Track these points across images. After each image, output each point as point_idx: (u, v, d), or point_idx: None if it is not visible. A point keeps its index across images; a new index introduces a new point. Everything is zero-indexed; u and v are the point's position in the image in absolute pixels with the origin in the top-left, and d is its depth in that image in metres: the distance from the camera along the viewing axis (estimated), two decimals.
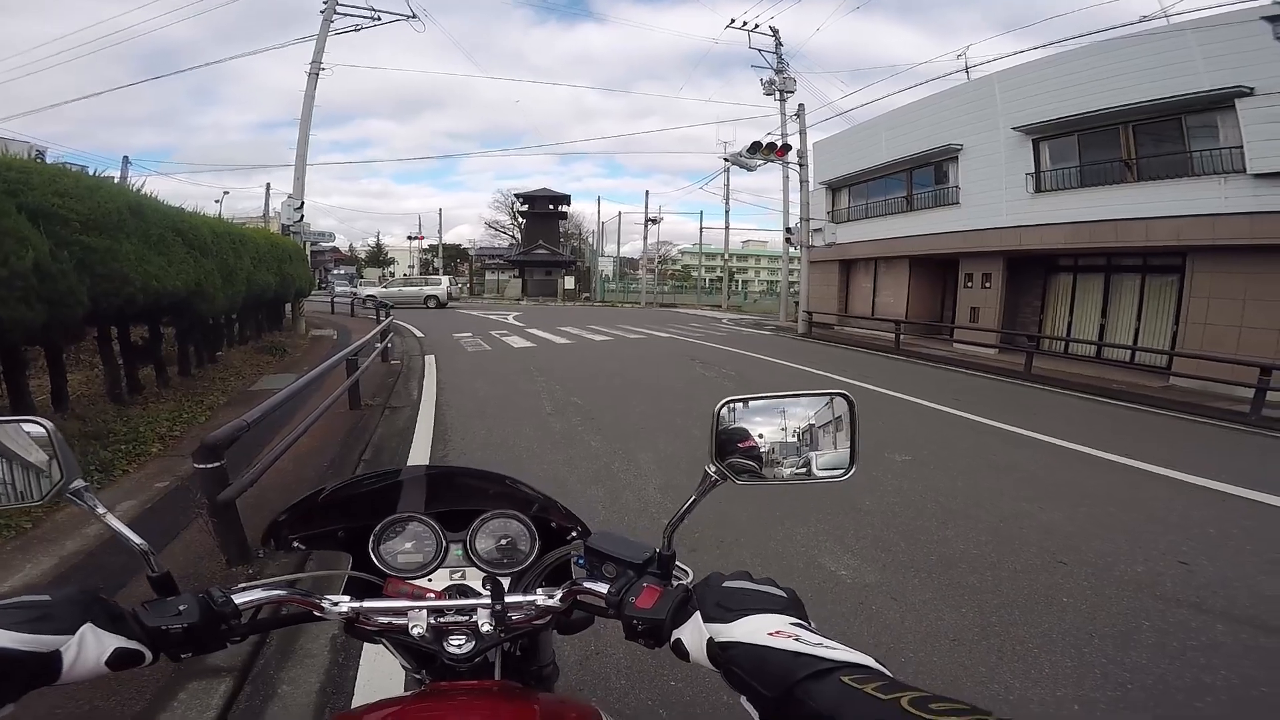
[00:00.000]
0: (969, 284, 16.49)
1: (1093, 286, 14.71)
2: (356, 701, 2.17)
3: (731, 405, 0.78)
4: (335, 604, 0.77)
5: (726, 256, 39.55)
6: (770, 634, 0.54)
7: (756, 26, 22.89)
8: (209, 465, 2.85)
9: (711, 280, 49.46)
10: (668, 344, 14.62)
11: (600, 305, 37.07)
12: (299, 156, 15.48)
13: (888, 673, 0.49)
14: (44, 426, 0.70)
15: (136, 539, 0.70)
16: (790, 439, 0.78)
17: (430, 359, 10.83)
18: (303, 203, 14.70)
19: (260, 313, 12.49)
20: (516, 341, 14.11)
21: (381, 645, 0.86)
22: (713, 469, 0.75)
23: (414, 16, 16.81)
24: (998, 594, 3.08)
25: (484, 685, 0.78)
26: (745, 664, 0.54)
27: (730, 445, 0.77)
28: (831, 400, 0.79)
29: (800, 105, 19.51)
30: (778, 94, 23.30)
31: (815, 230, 19.23)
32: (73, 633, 0.56)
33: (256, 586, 0.73)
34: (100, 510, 0.70)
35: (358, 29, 16.23)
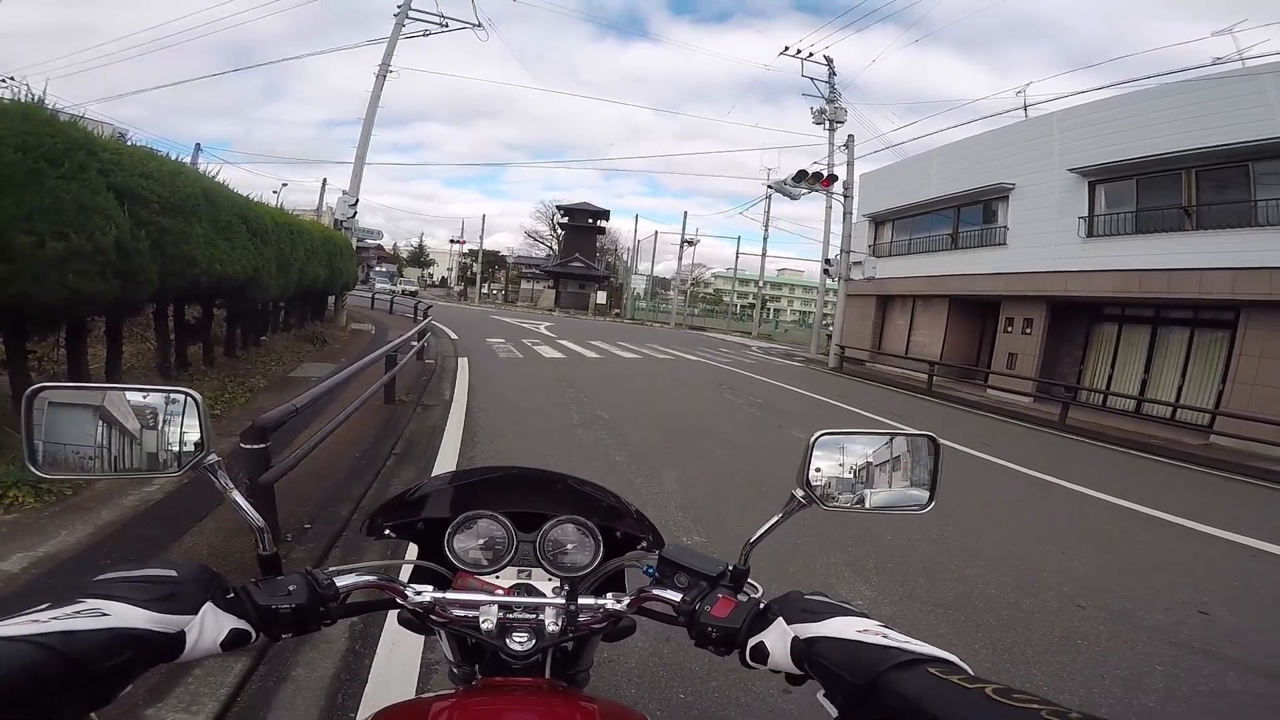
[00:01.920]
0: (1009, 328, 16.17)
1: (1138, 338, 14.29)
2: (370, 690, 2.19)
3: (823, 436, 0.82)
4: (418, 593, 0.79)
5: (761, 284, 39.34)
6: (859, 630, 0.57)
7: (810, 55, 23.04)
8: (256, 446, 2.97)
9: (743, 306, 49.29)
10: (696, 367, 14.64)
11: (630, 323, 37.28)
12: (358, 155, 16.09)
13: (969, 669, 0.51)
14: (194, 399, 0.72)
15: (256, 517, 0.72)
16: (875, 470, 0.84)
17: (463, 361, 11.04)
18: (358, 200, 15.23)
19: (306, 302, 12.92)
20: (547, 351, 14.31)
21: (416, 636, 0.92)
22: (800, 493, 0.80)
23: (479, 25, 17.45)
24: (1013, 632, 3.04)
25: (536, 683, 0.80)
26: (834, 655, 0.56)
27: (819, 472, 0.82)
28: (914, 440, 0.85)
29: (850, 136, 19.56)
30: (827, 123, 23.31)
31: (855, 263, 19.12)
32: (195, 612, 0.57)
33: (351, 571, 0.75)
34: (229, 486, 0.72)
35: (426, 34, 16.88)
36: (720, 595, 0.73)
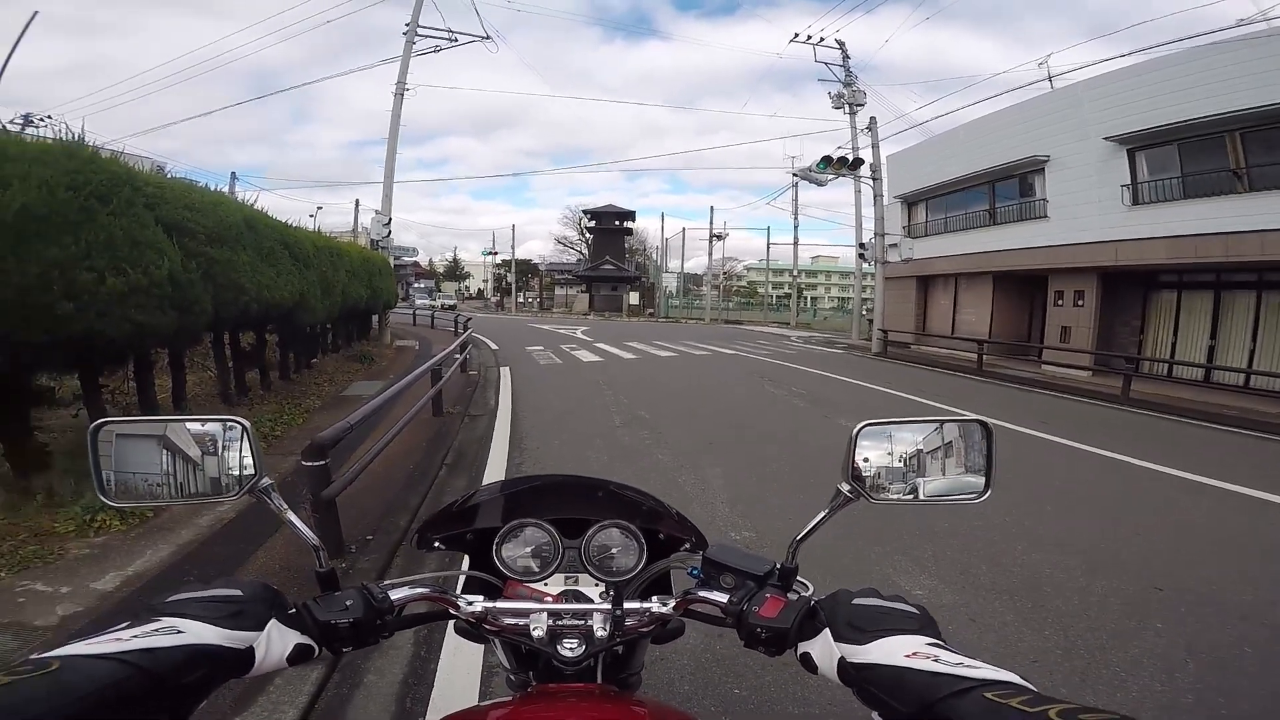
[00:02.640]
0: (1059, 302, 15.56)
1: (1200, 305, 13.58)
2: (436, 694, 2.26)
3: (867, 427, 0.81)
4: (470, 604, 0.80)
5: (795, 273, 38.83)
6: (907, 655, 0.54)
7: (822, 40, 22.54)
8: (316, 463, 3.09)
9: (779, 297, 48.69)
10: (734, 361, 14.54)
11: (664, 322, 37.26)
12: (386, 174, 16.51)
13: (1032, 688, 0.48)
14: (242, 425, 0.76)
15: (311, 536, 0.75)
16: (918, 462, 0.82)
17: (505, 371, 11.24)
18: (390, 219, 15.64)
19: (351, 323, 13.35)
20: (585, 355, 14.44)
21: (480, 643, 0.92)
22: (846, 487, 0.79)
23: (488, 38, 17.68)
24: (1085, 618, 2.93)
25: (588, 688, 0.81)
26: (881, 684, 0.54)
27: (862, 464, 0.81)
28: (964, 426, 0.83)
29: (872, 118, 19.12)
30: (846, 107, 22.81)
31: (890, 245, 18.68)
32: (261, 628, 0.60)
33: (404, 584, 0.77)
34: (283, 507, 0.75)
35: (437, 49, 17.18)
36: (769, 595, 0.72)
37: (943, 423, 0.83)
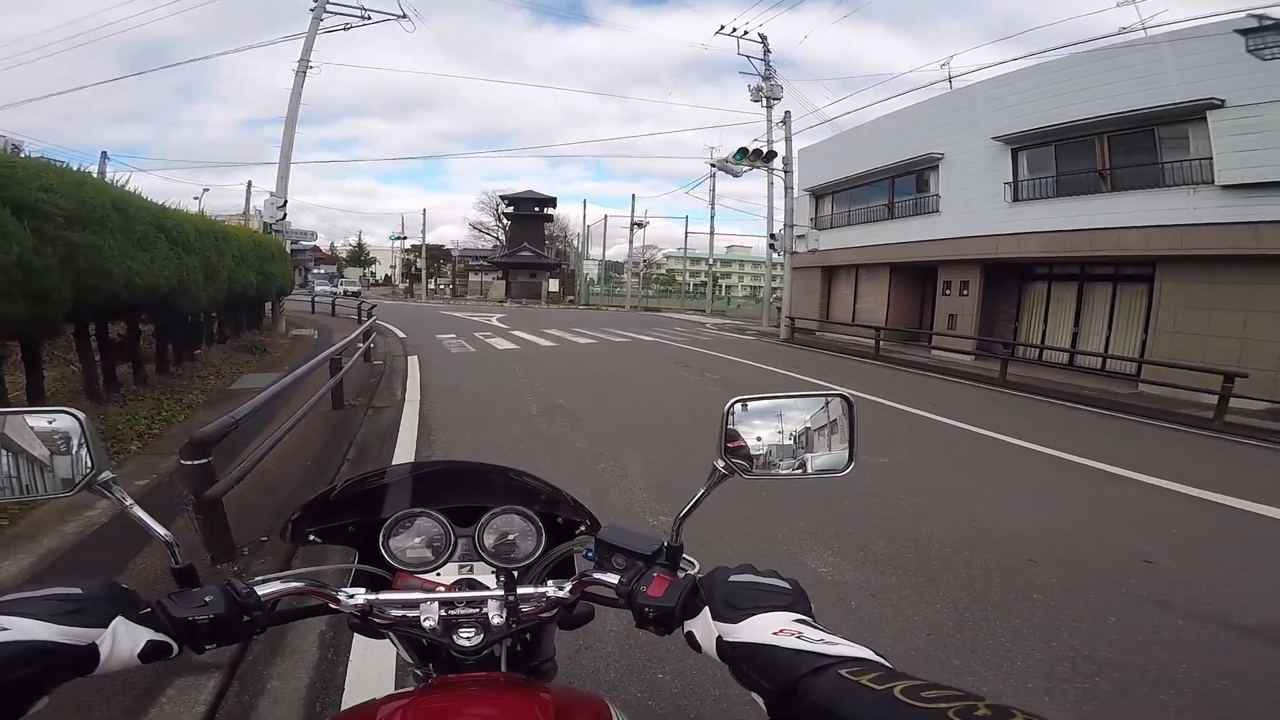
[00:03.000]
0: (947, 291, 16.81)
1: (1066, 295, 15.08)
2: (347, 697, 2.17)
3: (739, 404, 0.83)
4: (351, 596, 0.78)
5: (711, 262, 39.66)
6: (774, 633, 0.56)
7: (746, 33, 23.14)
8: (196, 461, 2.84)
9: (695, 285, 49.66)
10: (652, 348, 14.70)
11: (585, 309, 37.06)
12: (283, 155, 15.33)
13: (887, 664, 0.50)
14: (75, 417, 0.71)
15: (162, 531, 0.71)
16: (791, 438, 0.83)
17: (413, 360, 10.79)
18: (286, 201, 14.55)
19: (241, 311, 12.35)
20: (500, 343, 14.12)
21: (388, 640, 0.88)
22: (721, 464, 0.80)
23: (404, 16, 16.75)
24: (970, 589, 3.18)
25: (491, 677, 0.80)
26: (751, 662, 0.56)
27: (737, 442, 0.82)
28: (831, 401, 0.85)
29: (786, 113, 19.78)
30: (764, 100, 23.51)
31: (799, 236, 19.45)
32: (105, 625, 0.57)
33: (275, 579, 0.74)
34: (128, 502, 0.71)
35: (347, 28, 16.15)
36: (656, 574, 0.73)
37: (807, 397, 0.85)
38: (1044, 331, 15.48)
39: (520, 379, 9.07)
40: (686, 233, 42.02)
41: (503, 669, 0.85)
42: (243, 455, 3.71)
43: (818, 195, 21.81)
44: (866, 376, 11.56)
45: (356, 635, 2.41)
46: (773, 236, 20.27)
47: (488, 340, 14.66)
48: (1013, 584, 3.27)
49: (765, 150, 18.33)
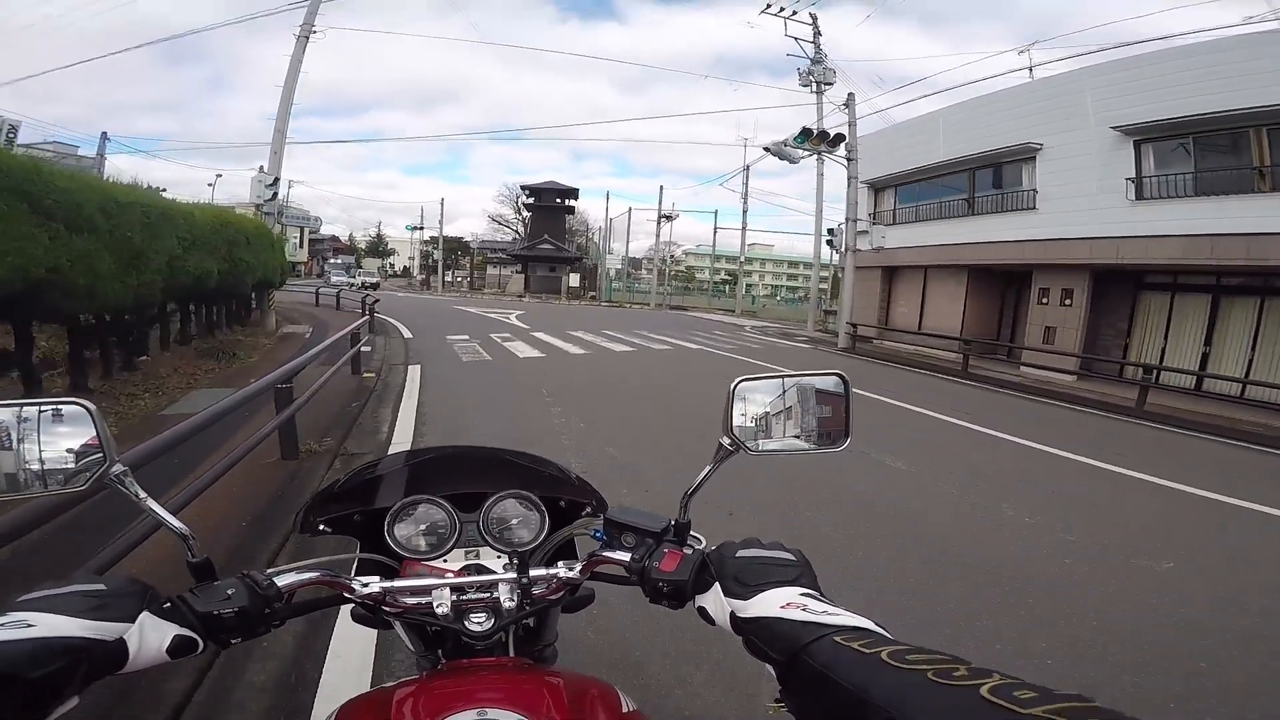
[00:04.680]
0: (1043, 300, 14.38)
1: (1194, 308, 12.67)
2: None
3: (743, 383, 0.83)
4: (365, 585, 0.76)
5: (743, 259, 37.40)
6: (782, 606, 0.58)
7: (795, 13, 20.95)
8: None
9: (716, 283, 47.49)
10: (702, 359, 12.48)
11: (607, 306, 35.00)
12: (278, 128, 13.37)
13: (881, 631, 0.53)
14: (86, 409, 0.68)
15: (177, 524, 0.68)
16: (792, 416, 0.84)
17: (414, 371, 8.68)
18: (278, 179, 12.55)
19: (215, 306, 10.35)
20: (521, 349, 11.95)
21: (394, 629, 0.88)
22: (727, 440, 0.79)
23: None
24: None
25: (501, 662, 0.80)
26: (761, 635, 0.58)
27: (743, 418, 0.82)
28: (829, 380, 0.86)
29: (850, 95, 17.34)
30: (814, 85, 21.33)
31: (860, 233, 17.17)
32: (132, 620, 0.55)
33: (292, 570, 0.71)
34: (141, 495, 0.68)
35: None
36: (666, 550, 0.73)
37: (807, 376, 0.86)
38: (1163, 349, 13.03)
39: (552, 408, 6.87)
40: (716, 228, 39.78)
41: (510, 654, 0.84)
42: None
43: (877, 188, 19.38)
44: (977, 402, 9.24)
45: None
46: (830, 232, 18.00)
47: (506, 345, 12.51)
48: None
49: (832, 133, 15.99)
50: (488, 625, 0.76)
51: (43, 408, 0.68)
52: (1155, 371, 10.24)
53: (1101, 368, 12.83)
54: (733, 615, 0.62)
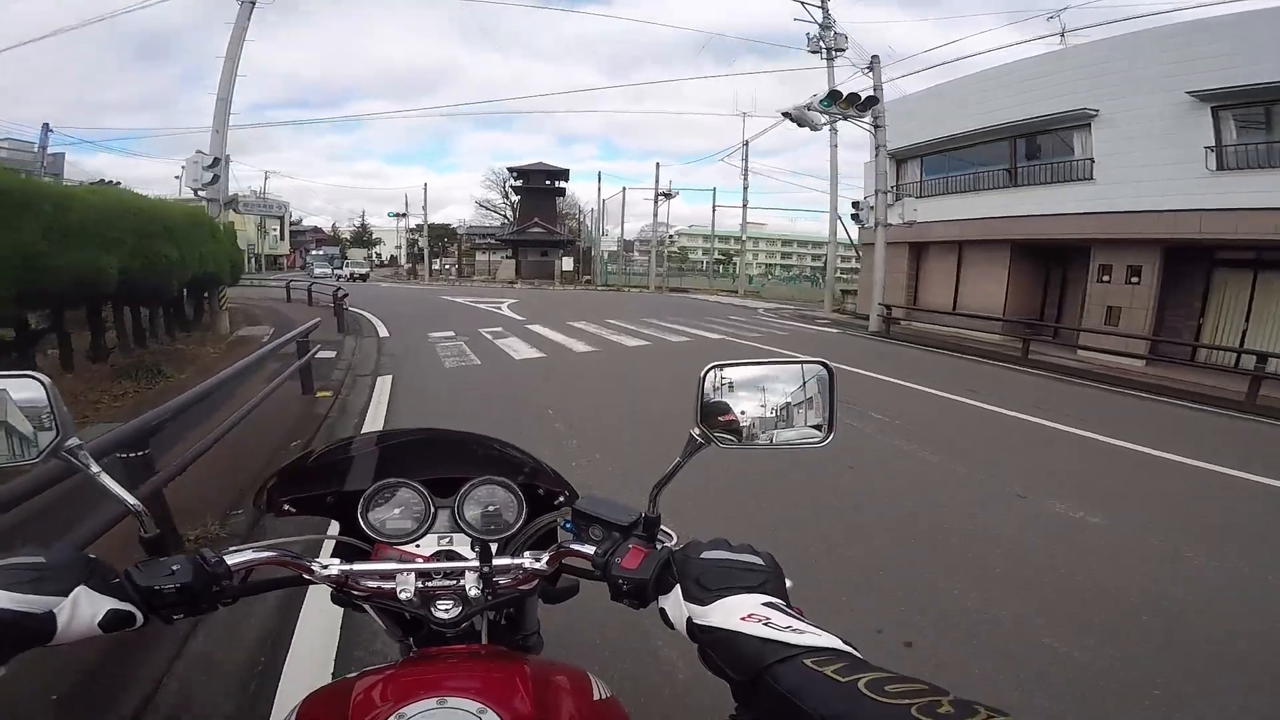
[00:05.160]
0: (1104, 278, 12.83)
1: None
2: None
3: (715, 370, 0.76)
4: (325, 567, 0.75)
5: (745, 238, 35.73)
6: (742, 618, 0.54)
7: None
8: None
9: (708, 263, 45.92)
10: (728, 353, 10.84)
11: (604, 290, 33.20)
12: (220, 98, 11.39)
13: (855, 653, 0.49)
14: (41, 382, 0.68)
15: (131, 499, 0.69)
16: (769, 408, 0.78)
17: (384, 384, 6.99)
18: (217, 159, 10.63)
19: (142, 311, 8.56)
20: (517, 348, 10.23)
21: (366, 614, 0.86)
22: (697, 433, 0.75)
23: None
24: None
25: (471, 649, 0.79)
26: (718, 649, 0.54)
27: (716, 409, 0.76)
28: (808, 369, 0.79)
29: (874, 58, 15.52)
30: (824, 52, 19.41)
31: (887, 207, 15.55)
32: (66, 594, 0.56)
33: (247, 549, 0.71)
34: (95, 470, 0.68)
35: None
36: (631, 545, 0.70)
37: (785, 364, 0.79)
38: (1244, 332, 11.53)
39: (563, 438, 5.17)
40: (715, 206, 37.74)
41: (483, 641, 0.84)
42: None
43: (899, 159, 17.70)
44: (1066, 399, 7.64)
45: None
46: (854, 205, 16.31)
47: (498, 342, 10.79)
48: None
49: (862, 96, 14.20)
50: (454, 613, 0.75)
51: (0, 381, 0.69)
52: (1266, 358, 8.68)
53: (1168, 350, 11.32)
54: (689, 621, 0.58)
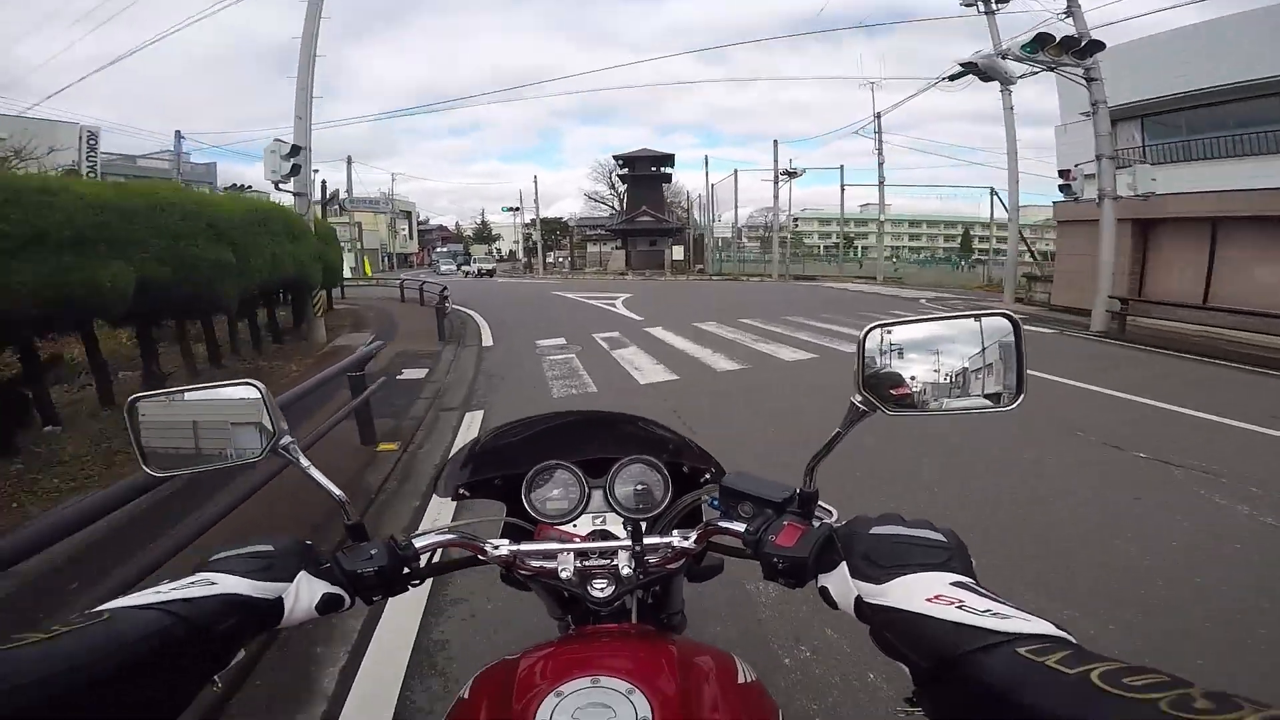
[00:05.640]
0: None
1: None
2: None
3: (878, 329, 0.69)
4: (496, 547, 0.77)
5: (881, 219, 31.92)
6: (929, 599, 0.48)
7: None
8: None
9: (825, 248, 42.15)
10: None
11: (719, 280, 30.71)
12: (300, 86, 10.24)
13: (1073, 640, 0.42)
14: (257, 388, 0.73)
15: (336, 490, 0.72)
16: (942, 368, 0.68)
17: (471, 425, 5.21)
18: (297, 148, 9.41)
19: (199, 319, 7.44)
20: (640, 364, 8.18)
21: (532, 592, 0.90)
22: (859, 398, 0.68)
23: None
24: None
25: (623, 628, 0.81)
26: (898, 632, 0.49)
27: (879, 374, 0.69)
28: (988, 322, 0.68)
29: None
30: (981, 3, 15.48)
31: (1088, 176, 12.04)
32: (291, 580, 0.59)
33: (432, 533, 0.75)
34: (305, 463, 0.73)
35: None
36: (786, 522, 0.66)
37: (961, 318, 0.68)
38: None
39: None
40: (843, 186, 33.85)
41: (633, 620, 0.85)
42: None
43: (1116, 119, 13.78)
44: None
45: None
46: (1064, 174, 12.82)
47: (616, 354, 8.82)
48: None
49: (1083, 40, 10.77)
50: (608, 591, 0.76)
51: (219, 389, 0.76)
52: None
53: None
54: (859, 600, 0.53)
